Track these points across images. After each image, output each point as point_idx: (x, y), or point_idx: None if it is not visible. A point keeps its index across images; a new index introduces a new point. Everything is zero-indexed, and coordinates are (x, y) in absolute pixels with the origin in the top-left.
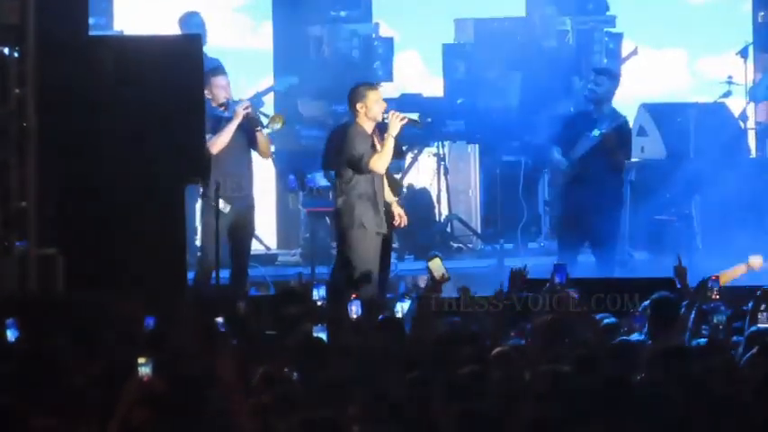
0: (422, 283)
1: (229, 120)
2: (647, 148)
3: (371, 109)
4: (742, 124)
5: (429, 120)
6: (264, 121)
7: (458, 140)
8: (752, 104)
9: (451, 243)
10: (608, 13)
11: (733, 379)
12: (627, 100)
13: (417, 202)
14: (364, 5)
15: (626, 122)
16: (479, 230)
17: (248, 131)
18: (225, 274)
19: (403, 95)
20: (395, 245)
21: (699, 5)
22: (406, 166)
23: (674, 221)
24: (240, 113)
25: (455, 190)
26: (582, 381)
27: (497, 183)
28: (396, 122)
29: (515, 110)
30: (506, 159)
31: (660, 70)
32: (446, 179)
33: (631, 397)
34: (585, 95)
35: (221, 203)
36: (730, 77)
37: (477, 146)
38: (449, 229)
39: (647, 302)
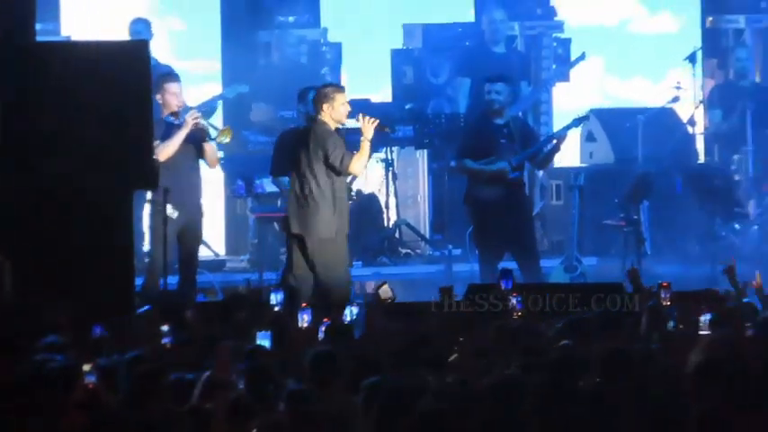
0: (369, 288)
1: (179, 127)
2: (595, 153)
3: (337, 110)
4: (690, 129)
5: (387, 130)
6: (213, 133)
7: (406, 146)
8: (700, 109)
9: (400, 249)
10: (556, 19)
11: (674, 383)
12: (576, 105)
13: (366, 207)
14: (312, 11)
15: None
16: (428, 236)
17: (197, 140)
18: (172, 280)
19: (351, 101)
20: None
21: (647, 11)
22: None
23: (623, 227)
24: (190, 123)
25: (404, 196)
26: (530, 385)
27: (446, 188)
28: (369, 126)
29: (464, 116)
30: (455, 165)
31: (608, 75)
32: (395, 185)
33: (576, 401)
34: (487, 106)
35: (169, 209)
36: (678, 83)
37: (425, 151)
38: (397, 235)
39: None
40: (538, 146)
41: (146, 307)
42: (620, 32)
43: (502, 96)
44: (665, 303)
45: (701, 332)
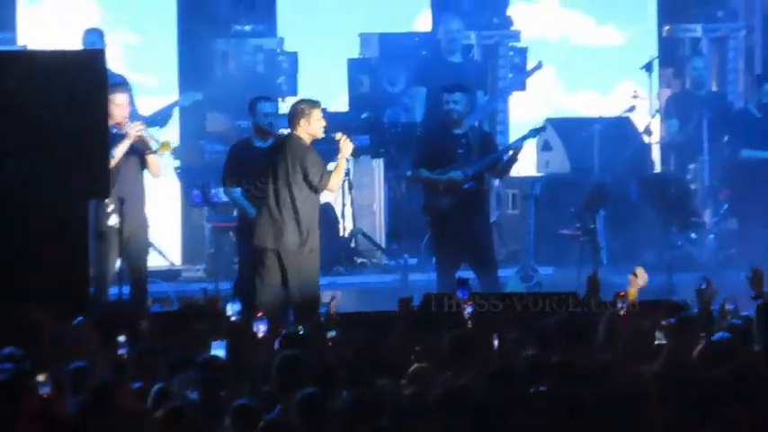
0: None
1: (122, 138)
2: (551, 162)
3: (312, 125)
4: (646, 138)
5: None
6: (154, 145)
7: (362, 155)
8: (656, 118)
9: (356, 258)
10: (512, 28)
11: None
12: (532, 115)
13: (322, 217)
14: (269, 20)
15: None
16: (384, 245)
17: (140, 152)
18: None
19: None
20: None
21: (604, 20)
22: None
23: (579, 236)
24: (132, 135)
25: (360, 205)
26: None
27: (402, 198)
28: (348, 145)
29: (420, 125)
30: (410, 174)
31: (564, 84)
32: (350, 194)
33: (531, 411)
34: (446, 116)
35: (114, 219)
36: (635, 92)
37: (381, 160)
38: (353, 245)
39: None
40: (493, 156)
41: (79, 318)
42: (577, 42)
43: (460, 106)
44: (622, 313)
45: (659, 342)
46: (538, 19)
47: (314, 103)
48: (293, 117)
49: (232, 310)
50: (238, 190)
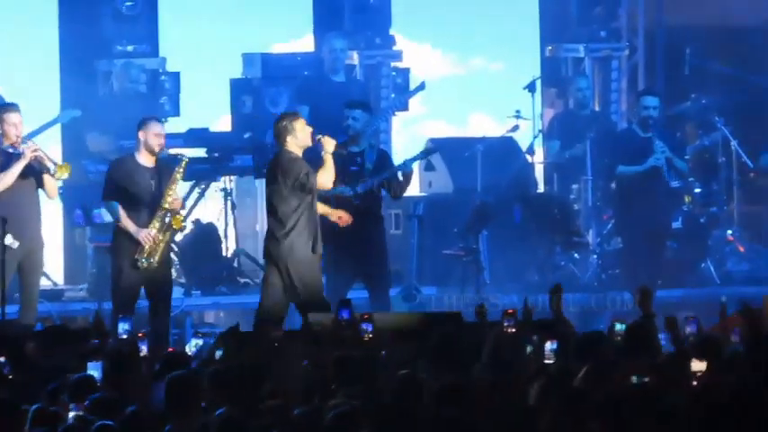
0: (208, 318)
1: (18, 158)
2: (434, 182)
3: (299, 137)
4: (530, 158)
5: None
6: (51, 167)
7: (245, 175)
8: (539, 138)
9: (239, 278)
10: (395, 48)
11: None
12: (415, 134)
13: (204, 236)
14: (151, 41)
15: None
16: None
17: (36, 171)
18: (11, 309)
19: (190, 130)
20: (181, 280)
21: (487, 40)
22: (194, 200)
23: (462, 256)
24: (28, 155)
25: (242, 225)
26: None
27: None
28: (329, 142)
29: None
30: None
31: (446, 103)
32: (233, 214)
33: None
34: (344, 131)
35: (9, 239)
36: (518, 111)
37: (264, 181)
38: (236, 264)
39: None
40: (384, 175)
41: None
42: (461, 61)
43: (359, 123)
44: (508, 331)
45: (547, 361)
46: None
47: (292, 116)
48: (279, 135)
49: (122, 328)
50: (116, 204)
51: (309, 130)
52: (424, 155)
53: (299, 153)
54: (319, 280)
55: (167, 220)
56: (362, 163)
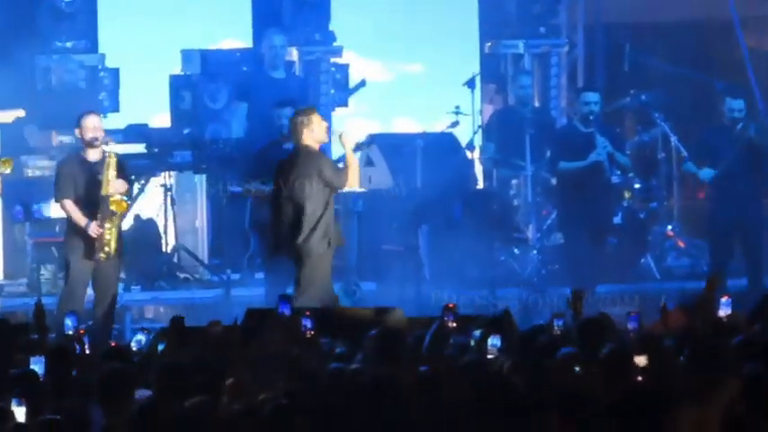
0: (148, 314)
1: None
2: (374, 178)
3: (316, 131)
4: (469, 154)
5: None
6: None
7: (185, 171)
8: (478, 134)
9: (178, 273)
10: (335, 44)
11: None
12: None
13: (144, 232)
14: (91, 37)
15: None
16: (206, 261)
17: None
18: None
19: (129, 126)
20: (122, 275)
21: (428, 36)
22: (134, 196)
23: (402, 252)
24: None
25: (182, 220)
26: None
27: (224, 213)
28: (349, 138)
29: (242, 140)
30: (233, 190)
31: (388, 100)
32: (173, 209)
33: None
34: (277, 131)
35: None
36: (458, 108)
37: (203, 176)
38: (176, 260)
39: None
40: None
41: None
42: (400, 58)
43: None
44: (450, 326)
45: (489, 356)
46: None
47: (309, 110)
48: (295, 131)
49: (70, 323)
50: (68, 201)
51: (325, 125)
52: (356, 149)
53: (317, 147)
54: (329, 274)
55: (111, 207)
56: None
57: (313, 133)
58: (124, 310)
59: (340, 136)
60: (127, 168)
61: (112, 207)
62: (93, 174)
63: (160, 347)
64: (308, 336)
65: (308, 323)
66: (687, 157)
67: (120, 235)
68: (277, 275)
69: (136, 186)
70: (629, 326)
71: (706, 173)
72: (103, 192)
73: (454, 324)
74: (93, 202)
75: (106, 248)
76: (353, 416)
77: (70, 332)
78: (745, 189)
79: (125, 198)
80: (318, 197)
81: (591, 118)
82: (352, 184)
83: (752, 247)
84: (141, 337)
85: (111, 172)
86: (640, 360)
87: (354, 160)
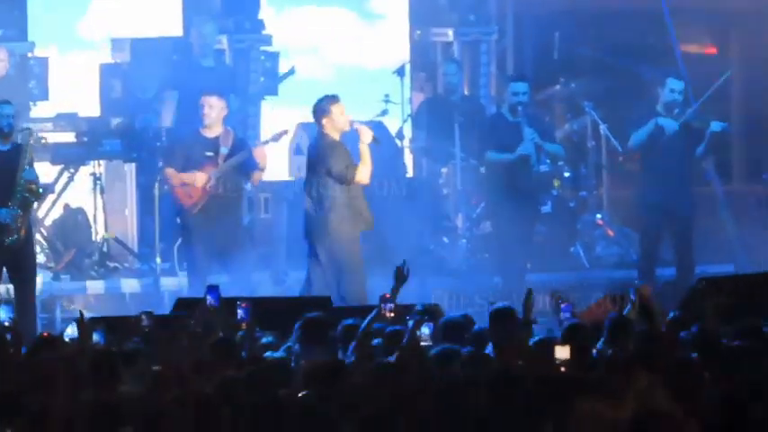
0: (78, 303)
1: None
2: (303, 167)
3: (336, 120)
4: (399, 143)
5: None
6: None
7: (114, 159)
8: (408, 123)
9: (108, 263)
10: (264, 33)
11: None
12: (285, 119)
13: (73, 221)
14: (20, 25)
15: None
16: (136, 250)
17: None
18: None
19: (59, 115)
20: (50, 264)
21: (356, 24)
22: (63, 185)
23: None
24: None
25: (112, 209)
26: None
27: (154, 202)
28: (368, 132)
29: (172, 129)
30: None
31: (319, 88)
32: (102, 198)
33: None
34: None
35: None
36: (387, 96)
37: (133, 165)
38: (105, 249)
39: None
40: (235, 159)
41: None
42: (329, 46)
43: (214, 111)
44: (387, 315)
45: (423, 343)
46: (290, 24)
47: (332, 99)
48: (317, 116)
49: (4, 314)
50: None
51: (348, 117)
52: (277, 137)
53: (337, 137)
54: (359, 260)
55: (25, 194)
56: (218, 148)
57: (332, 122)
58: (54, 299)
59: (357, 128)
60: (55, 157)
61: (30, 194)
62: (4, 161)
63: (95, 337)
64: (243, 326)
65: (242, 312)
66: (618, 144)
67: (31, 222)
68: (200, 263)
69: (65, 175)
70: (561, 315)
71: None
72: (21, 180)
73: (392, 314)
74: (3, 189)
75: (14, 236)
76: (285, 405)
77: (6, 323)
78: (677, 175)
79: (38, 185)
80: (329, 185)
81: (519, 108)
82: (363, 179)
83: (681, 236)
84: (72, 329)
85: (29, 157)
86: (563, 351)
87: (367, 155)
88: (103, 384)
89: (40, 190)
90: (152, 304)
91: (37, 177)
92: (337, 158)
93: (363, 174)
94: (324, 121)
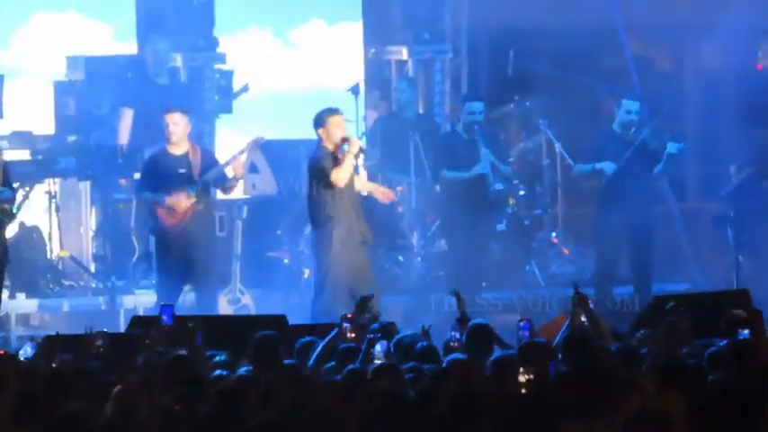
0: (34, 321)
1: None
2: (258, 184)
3: (331, 132)
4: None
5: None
6: None
7: (69, 177)
8: (363, 141)
9: (63, 280)
10: (218, 50)
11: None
12: (241, 136)
13: (28, 239)
14: None
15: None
16: (92, 268)
17: None
18: None
19: (14, 133)
20: (6, 282)
21: (311, 42)
22: (18, 204)
23: (286, 258)
24: None
25: (67, 227)
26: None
27: (109, 220)
28: (356, 143)
29: (126, 147)
30: (117, 197)
31: (274, 107)
32: (57, 216)
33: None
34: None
35: None
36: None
37: (88, 183)
38: (60, 267)
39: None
40: (211, 174)
41: None
42: (285, 64)
43: (179, 128)
44: (349, 335)
45: (377, 361)
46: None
47: (331, 111)
48: (315, 127)
49: None
50: None
51: (341, 130)
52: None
53: (331, 148)
54: (364, 264)
55: None
56: (189, 164)
57: (327, 132)
58: (9, 317)
59: (346, 139)
60: (11, 175)
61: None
62: None
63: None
64: (194, 344)
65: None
66: (572, 163)
67: (3, 241)
68: (169, 281)
69: (20, 193)
70: (520, 333)
71: (608, 166)
72: None
73: (353, 334)
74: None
75: None
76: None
77: None
78: (635, 193)
79: (11, 205)
80: (322, 195)
81: (475, 127)
82: (337, 181)
83: (639, 254)
84: (29, 348)
85: None
86: (522, 376)
87: (347, 162)
88: (55, 402)
89: (14, 210)
90: (107, 322)
91: (13, 196)
92: (317, 168)
93: (337, 176)
94: (320, 131)
